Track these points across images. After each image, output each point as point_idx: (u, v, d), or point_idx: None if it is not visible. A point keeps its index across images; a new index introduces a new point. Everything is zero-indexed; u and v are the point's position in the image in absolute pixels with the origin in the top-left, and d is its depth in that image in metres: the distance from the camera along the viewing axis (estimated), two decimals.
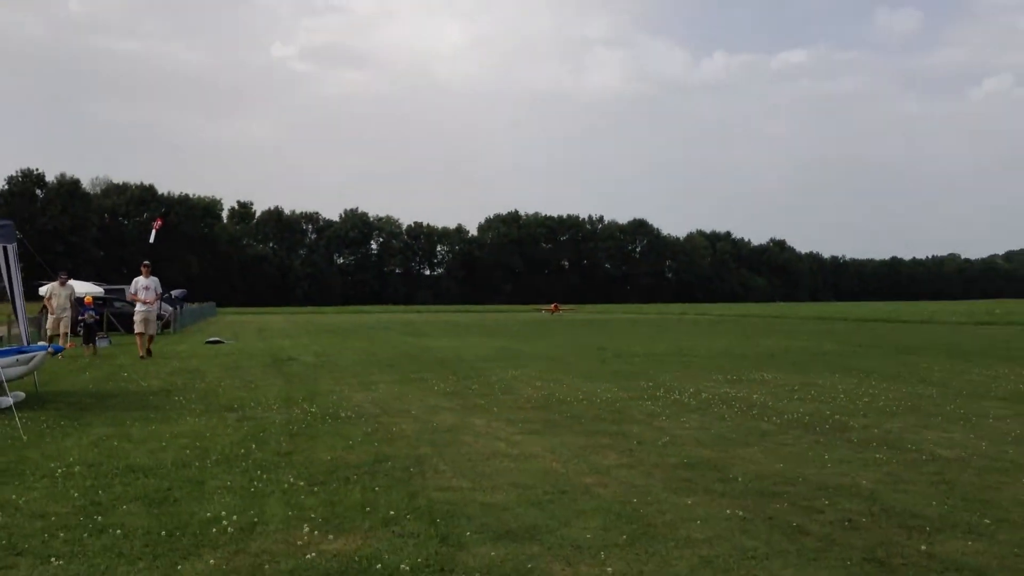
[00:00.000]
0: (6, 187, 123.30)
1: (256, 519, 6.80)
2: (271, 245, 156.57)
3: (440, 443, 10.32)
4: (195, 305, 63.34)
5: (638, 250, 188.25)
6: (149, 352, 23.22)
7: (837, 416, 12.32)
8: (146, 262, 24.11)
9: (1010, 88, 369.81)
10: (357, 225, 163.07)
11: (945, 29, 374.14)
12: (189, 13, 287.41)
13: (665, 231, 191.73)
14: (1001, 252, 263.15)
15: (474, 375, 18.70)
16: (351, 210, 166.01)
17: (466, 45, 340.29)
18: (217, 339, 32.77)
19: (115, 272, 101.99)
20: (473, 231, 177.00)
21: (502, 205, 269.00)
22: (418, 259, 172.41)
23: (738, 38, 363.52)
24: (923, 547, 6.12)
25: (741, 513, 7.05)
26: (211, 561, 5.82)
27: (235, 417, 12.39)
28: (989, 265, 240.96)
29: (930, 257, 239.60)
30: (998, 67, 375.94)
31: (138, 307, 23.68)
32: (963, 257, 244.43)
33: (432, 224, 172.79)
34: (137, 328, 23.58)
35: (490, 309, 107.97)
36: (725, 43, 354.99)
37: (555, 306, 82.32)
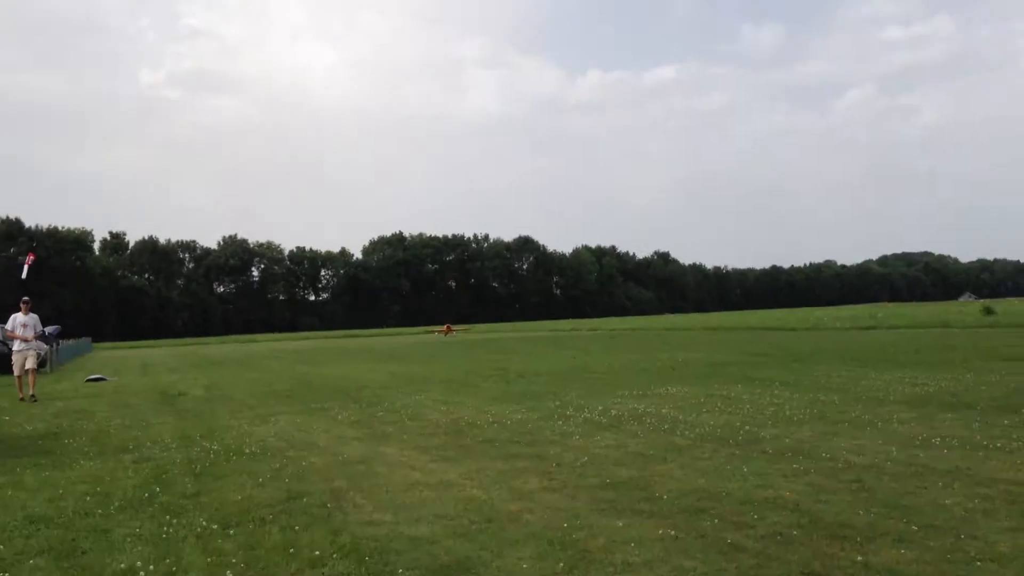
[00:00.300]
0: None
1: (174, 568, 6.46)
2: (147, 276, 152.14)
3: (354, 476, 10.02)
4: (70, 341, 60.96)
5: (525, 267, 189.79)
6: (33, 396, 21.97)
7: (747, 427, 12.46)
8: (25, 298, 22.86)
9: (873, 97, 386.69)
10: (237, 252, 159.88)
11: (808, 42, 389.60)
12: (50, 42, 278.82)
13: (551, 247, 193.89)
14: (875, 257, 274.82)
15: (377, 402, 18.35)
16: (230, 237, 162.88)
17: (340, 68, 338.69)
18: (99, 376, 31.51)
19: None
20: (358, 254, 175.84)
21: (386, 227, 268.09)
22: (302, 284, 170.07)
23: (610, 56, 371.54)
24: (858, 558, 6.16)
25: (673, 533, 7.00)
26: None
27: (132, 458, 11.83)
28: (864, 269, 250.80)
29: (808, 264, 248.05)
30: (861, 77, 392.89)
31: (17, 346, 22.47)
32: (839, 263, 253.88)
33: (315, 248, 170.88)
34: (16, 370, 22.36)
35: (380, 333, 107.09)
36: (598, 61, 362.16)
37: (447, 327, 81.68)
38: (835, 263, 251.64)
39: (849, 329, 49.84)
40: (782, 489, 8.44)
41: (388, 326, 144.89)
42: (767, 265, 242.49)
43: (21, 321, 22.38)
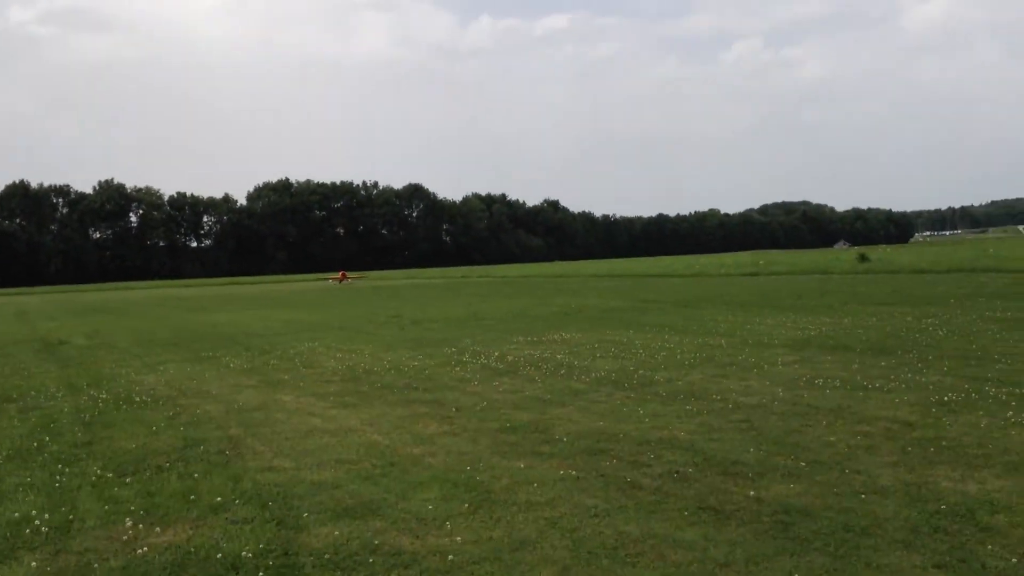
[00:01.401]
0: None
1: (71, 516, 6.37)
2: (18, 221, 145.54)
3: (251, 423, 9.96)
4: None
5: (415, 214, 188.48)
6: None
7: (641, 371, 12.79)
8: None
9: (759, 50, 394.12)
10: (113, 197, 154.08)
11: None
12: None
13: (441, 195, 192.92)
14: (756, 206, 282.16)
15: (270, 350, 18.16)
16: (106, 182, 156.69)
17: (223, 6, 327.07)
18: None
19: None
20: (242, 200, 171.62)
21: (272, 173, 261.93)
22: (183, 231, 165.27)
23: (502, 2, 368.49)
24: (751, 492, 6.45)
25: (573, 473, 7.19)
26: (32, 564, 5.39)
27: (16, 408, 11.51)
28: (746, 218, 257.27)
29: (693, 213, 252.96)
30: (747, 31, 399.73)
31: None
32: (723, 212, 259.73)
33: (197, 194, 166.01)
34: None
35: (267, 280, 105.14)
36: (489, 7, 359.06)
37: (343, 274, 79.83)
38: (719, 212, 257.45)
39: (733, 276, 51.26)
40: (676, 430, 8.73)
41: (273, 273, 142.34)
42: (654, 213, 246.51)
43: None
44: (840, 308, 22.62)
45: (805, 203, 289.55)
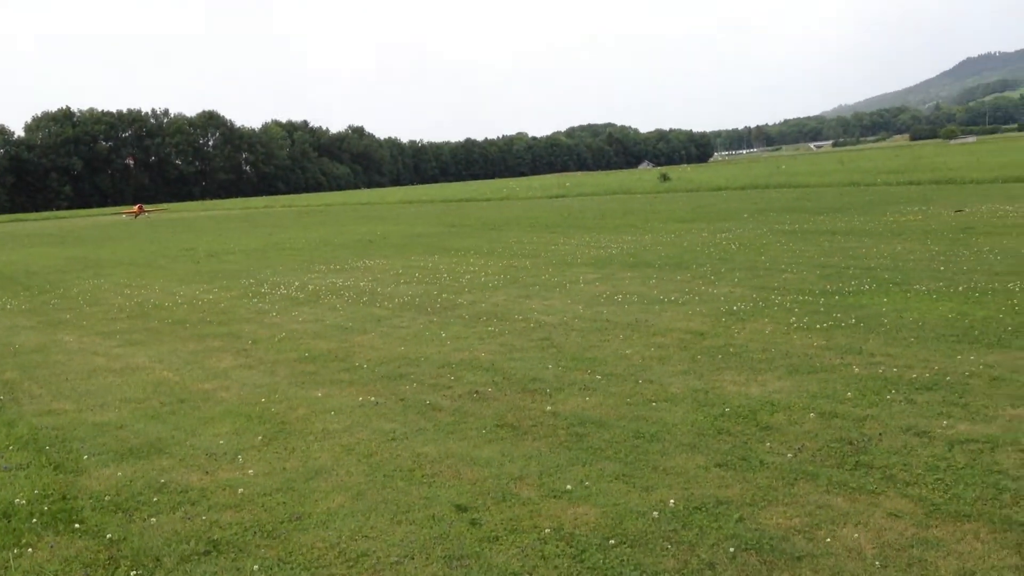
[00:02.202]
0: None
1: None
2: None
3: (28, 365, 9.44)
4: None
5: (211, 143, 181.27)
6: None
7: (445, 295, 12.87)
8: None
9: None
10: None
11: None
12: None
13: (239, 123, 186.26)
14: (563, 129, 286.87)
15: (51, 288, 17.20)
16: None
17: None
18: None
19: None
20: (19, 132, 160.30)
21: (51, 102, 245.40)
22: None
23: None
24: (548, 407, 6.62)
25: (373, 399, 7.19)
26: None
27: None
28: (553, 141, 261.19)
29: (501, 137, 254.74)
30: None
31: None
32: (530, 135, 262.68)
33: None
34: None
35: (52, 216, 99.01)
36: None
37: (139, 208, 74.06)
38: (527, 135, 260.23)
39: (540, 198, 52.10)
40: (478, 351, 8.84)
41: (59, 209, 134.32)
42: (462, 138, 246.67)
43: None
44: (641, 226, 23.42)
45: (610, 125, 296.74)
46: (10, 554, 4.45)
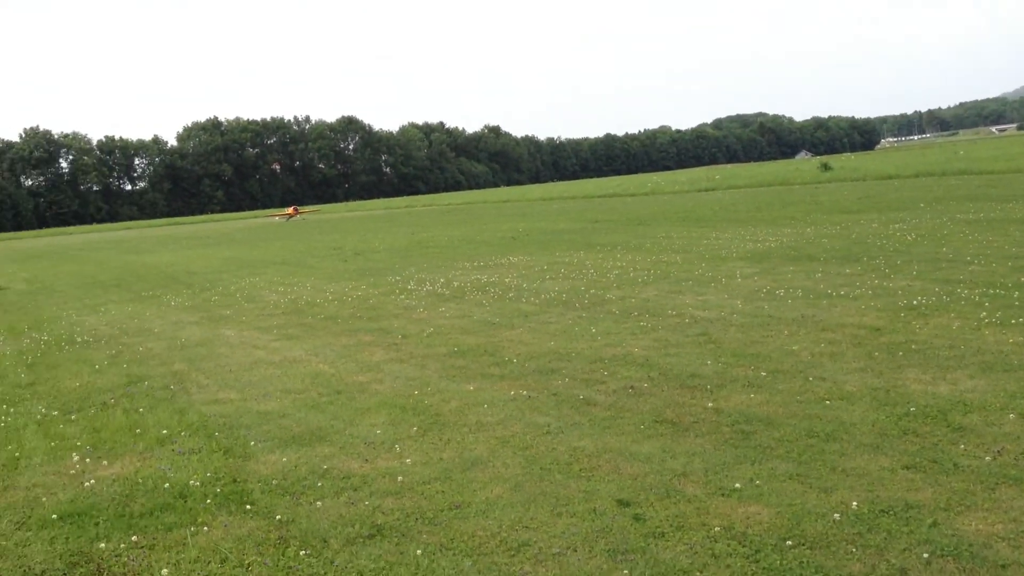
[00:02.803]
0: None
1: (17, 454, 6.42)
2: None
3: (195, 358, 10.00)
4: None
5: (351, 147, 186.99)
6: None
7: (593, 290, 12.89)
8: None
9: None
10: (41, 144, 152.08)
11: None
12: None
13: (377, 126, 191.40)
14: (709, 120, 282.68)
15: (210, 287, 18.16)
16: (32, 128, 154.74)
17: None
18: None
19: None
20: (172, 141, 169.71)
21: (199, 113, 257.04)
22: (116, 174, 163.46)
23: None
24: (709, 404, 6.56)
25: (525, 393, 7.27)
26: None
27: None
28: (699, 133, 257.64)
29: (643, 131, 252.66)
30: None
31: None
32: (674, 128, 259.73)
33: (126, 137, 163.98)
34: None
35: (206, 220, 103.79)
36: None
37: (294, 209, 74.94)
38: (670, 128, 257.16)
39: (688, 192, 51.49)
40: (631, 346, 8.83)
41: (212, 213, 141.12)
42: (601, 133, 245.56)
43: None
44: (802, 218, 22.86)
45: (761, 114, 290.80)
46: (187, 531, 4.75)
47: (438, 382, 7.89)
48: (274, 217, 75.87)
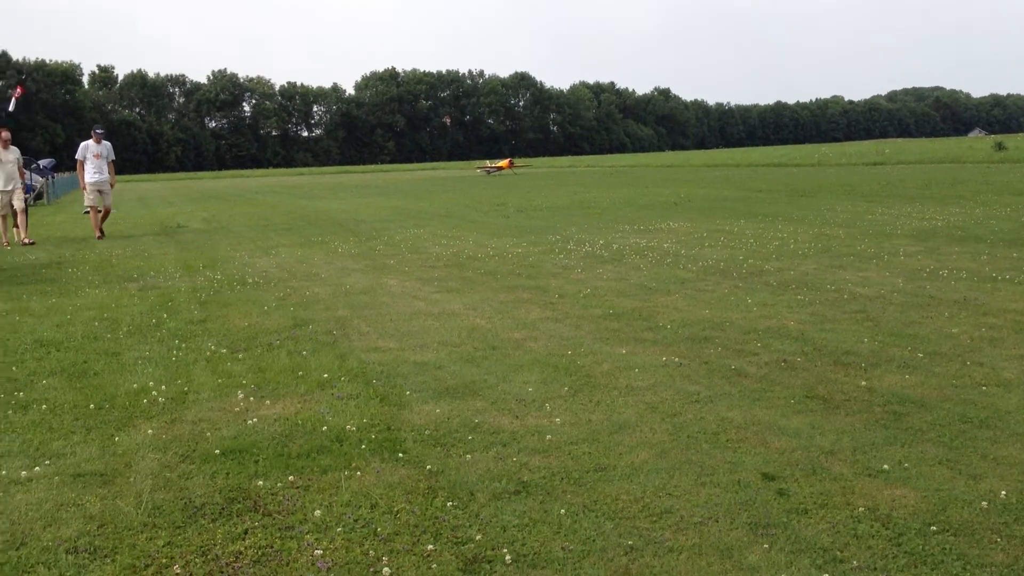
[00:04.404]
0: None
1: (186, 388, 6.67)
2: (138, 111, 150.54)
3: (357, 305, 10.22)
4: (65, 175, 60.63)
5: (521, 104, 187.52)
6: (27, 241, 20.89)
7: (751, 260, 12.60)
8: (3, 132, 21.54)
9: None
10: (227, 87, 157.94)
11: None
12: None
13: (548, 84, 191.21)
14: (884, 92, 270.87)
15: (376, 236, 18.55)
16: (219, 71, 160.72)
17: None
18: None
19: None
20: (350, 90, 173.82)
21: (378, 62, 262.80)
22: (294, 120, 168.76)
23: None
24: (862, 383, 6.33)
25: (677, 360, 7.17)
26: (149, 431, 5.67)
27: (137, 287, 12.06)
28: (872, 106, 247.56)
29: (814, 100, 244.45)
30: None
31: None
32: (846, 99, 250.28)
33: (306, 84, 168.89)
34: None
35: (378, 169, 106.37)
36: None
37: (508, 162, 68.94)
38: (842, 98, 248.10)
39: (855, 165, 49.70)
40: (786, 319, 8.60)
41: (382, 163, 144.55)
42: (771, 101, 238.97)
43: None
44: (972, 198, 21.77)
45: (938, 89, 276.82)
46: (341, 475, 4.86)
47: (591, 343, 7.87)
48: (480, 169, 69.52)
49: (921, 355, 7.01)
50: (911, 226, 16.08)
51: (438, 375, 6.92)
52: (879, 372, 6.59)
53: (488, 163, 73.59)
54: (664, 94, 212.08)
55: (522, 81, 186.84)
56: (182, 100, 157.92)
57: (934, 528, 3.98)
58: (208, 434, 5.62)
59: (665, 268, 12.28)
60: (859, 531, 3.99)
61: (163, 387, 6.65)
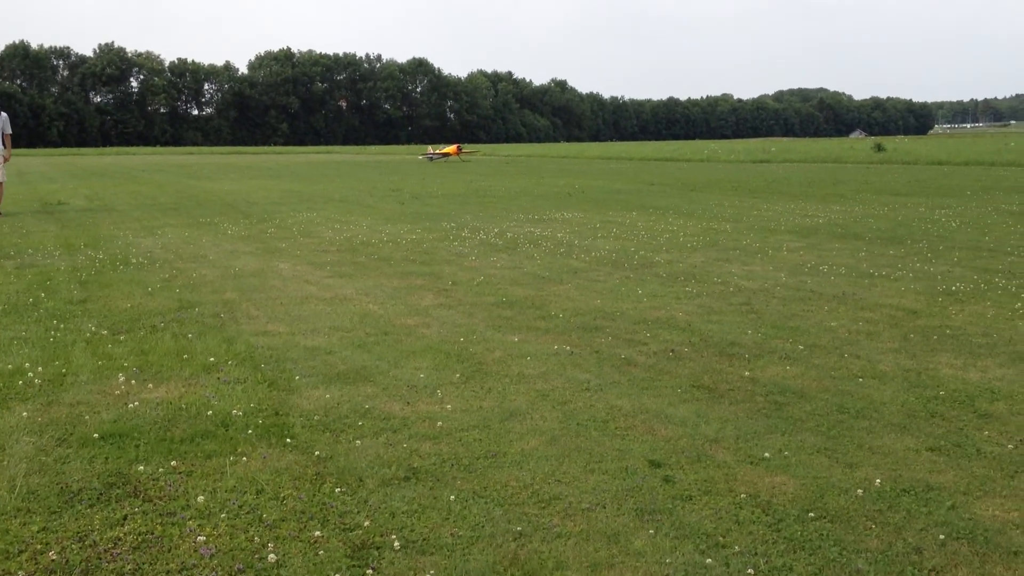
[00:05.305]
0: None
1: (64, 370, 6.43)
2: (19, 83, 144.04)
3: (247, 288, 10.01)
4: None
5: (419, 90, 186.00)
6: None
7: (642, 252, 12.78)
8: None
9: None
10: (114, 61, 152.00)
11: None
12: None
13: (446, 71, 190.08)
14: (771, 92, 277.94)
15: (268, 218, 18.22)
16: (106, 45, 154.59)
17: None
18: None
19: None
20: (243, 69, 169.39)
21: (273, 43, 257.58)
22: (184, 98, 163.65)
23: None
24: (746, 373, 6.48)
25: (568, 348, 7.22)
26: (24, 414, 5.45)
27: (13, 264, 11.60)
28: (759, 105, 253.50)
29: (705, 97, 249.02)
30: None
31: None
32: (736, 97, 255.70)
33: (198, 61, 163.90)
34: None
35: (271, 151, 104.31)
36: None
37: (457, 147, 62.94)
38: (732, 97, 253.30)
39: (743, 162, 50.85)
40: (674, 310, 8.74)
41: (275, 145, 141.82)
42: (664, 97, 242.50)
43: None
44: (852, 197, 22.53)
45: (822, 90, 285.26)
46: (226, 460, 4.75)
47: (484, 331, 7.87)
48: (419, 157, 63.77)
49: (802, 347, 7.22)
50: (794, 223, 16.55)
51: (329, 360, 6.82)
52: (762, 363, 6.76)
53: (431, 148, 69.00)
54: (561, 86, 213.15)
55: (420, 67, 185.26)
56: (66, 73, 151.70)
57: (812, 515, 4.10)
58: (87, 417, 5.42)
59: (558, 258, 12.36)
60: (741, 517, 4.08)
61: (39, 368, 6.40)
